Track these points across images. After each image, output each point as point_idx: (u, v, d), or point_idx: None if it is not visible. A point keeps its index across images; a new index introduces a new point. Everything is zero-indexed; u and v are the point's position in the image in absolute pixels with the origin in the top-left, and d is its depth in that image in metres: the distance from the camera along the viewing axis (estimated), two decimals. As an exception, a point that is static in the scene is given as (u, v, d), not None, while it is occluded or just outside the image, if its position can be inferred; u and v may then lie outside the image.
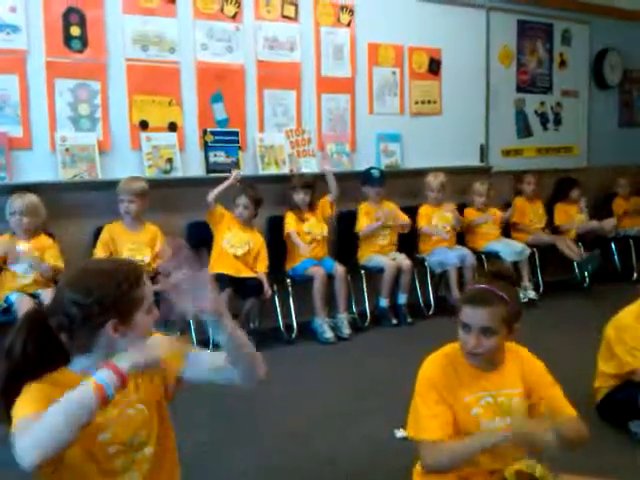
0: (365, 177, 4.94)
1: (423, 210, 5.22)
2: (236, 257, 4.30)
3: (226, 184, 4.26)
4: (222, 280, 4.12)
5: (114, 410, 1.49)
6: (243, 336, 1.49)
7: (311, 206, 4.67)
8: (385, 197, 4.99)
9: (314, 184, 4.65)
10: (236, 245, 4.32)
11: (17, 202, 3.67)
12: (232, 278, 4.15)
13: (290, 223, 4.59)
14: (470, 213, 5.49)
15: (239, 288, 4.16)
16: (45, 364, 1.47)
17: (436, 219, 5.22)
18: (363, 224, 4.87)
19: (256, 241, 4.40)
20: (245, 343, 1.50)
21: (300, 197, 4.59)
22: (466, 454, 1.84)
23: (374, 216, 4.90)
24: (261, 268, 4.36)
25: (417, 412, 1.93)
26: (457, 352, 2.00)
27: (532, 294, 5.29)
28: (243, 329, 1.52)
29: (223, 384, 1.59)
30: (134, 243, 4.01)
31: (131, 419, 1.54)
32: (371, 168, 4.97)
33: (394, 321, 4.75)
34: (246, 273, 4.28)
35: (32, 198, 3.70)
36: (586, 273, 5.60)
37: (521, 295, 5.23)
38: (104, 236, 3.98)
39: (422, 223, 5.18)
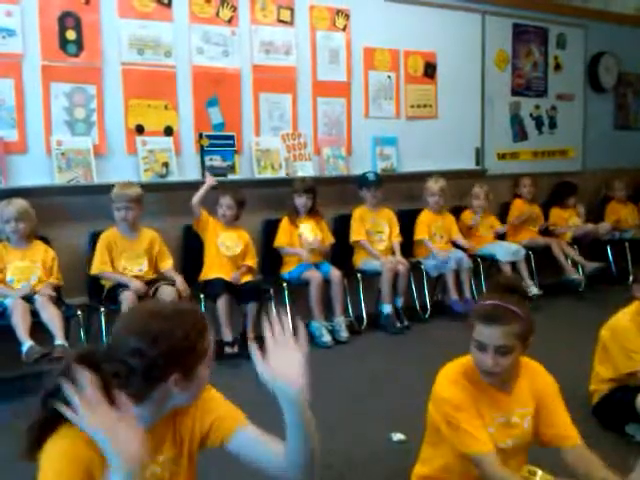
0: (361, 180, 4.94)
1: (424, 217, 5.19)
2: (230, 260, 4.30)
3: (205, 188, 4.21)
4: (219, 285, 4.12)
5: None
6: (313, 425, 1.42)
7: (311, 211, 4.66)
8: (382, 202, 4.98)
9: (315, 189, 4.64)
10: (232, 245, 4.33)
11: (10, 208, 3.60)
12: (229, 284, 4.16)
13: (280, 237, 4.57)
14: (467, 216, 5.50)
15: (237, 293, 4.16)
16: None
17: (434, 228, 5.19)
18: (356, 232, 4.86)
19: (244, 239, 4.40)
20: (312, 434, 1.43)
21: (302, 201, 4.58)
22: None
23: (369, 221, 4.91)
24: (251, 262, 4.38)
25: (460, 429, 1.89)
26: (473, 370, 1.96)
27: (535, 290, 5.28)
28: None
29: (270, 473, 1.49)
30: (131, 252, 3.95)
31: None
32: (368, 172, 4.98)
33: (398, 325, 4.69)
34: (243, 278, 4.27)
35: (23, 202, 3.65)
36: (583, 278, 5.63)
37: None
38: (102, 246, 3.88)
39: (421, 233, 5.14)
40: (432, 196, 5.18)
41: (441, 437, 1.99)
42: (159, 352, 1.33)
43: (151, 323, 1.37)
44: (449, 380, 1.98)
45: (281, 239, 4.59)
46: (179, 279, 3.96)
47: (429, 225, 5.19)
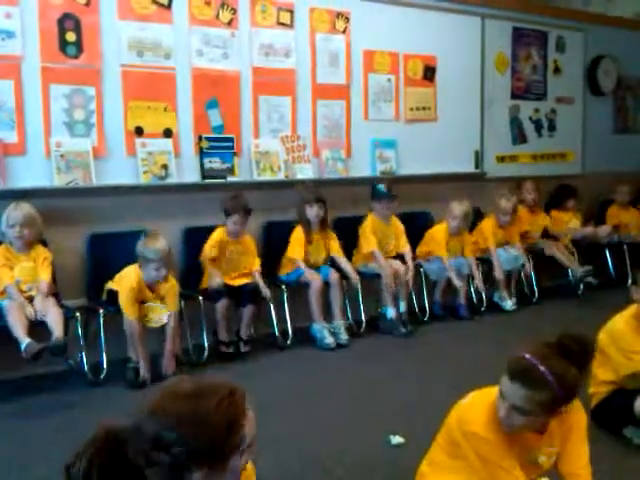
0: (373, 192, 4.86)
1: (439, 233, 5.09)
2: (232, 267, 4.31)
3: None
4: (220, 290, 4.11)
5: None
6: None
7: (323, 222, 4.59)
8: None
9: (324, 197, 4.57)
10: (236, 257, 4.32)
11: (15, 213, 3.57)
12: (228, 287, 4.15)
13: (294, 249, 4.47)
14: (490, 230, 5.35)
15: (236, 296, 4.17)
16: None
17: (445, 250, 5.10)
18: (372, 243, 4.75)
19: (247, 246, 4.40)
20: None
21: (314, 212, 4.51)
22: None
23: (378, 233, 4.82)
24: (255, 265, 4.36)
25: (497, 468, 1.82)
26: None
27: (509, 305, 5.30)
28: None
29: None
30: (154, 302, 3.81)
31: None
32: (378, 182, 4.87)
33: (402, 329, 4.62)
34: (243, 280, 4.28)
35: (29, 208, 3.62)
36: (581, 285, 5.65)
37: (502, 304, 5.29)
38: (132, 294, 3.69)
39: (428, 246, 5.10)
40: (453, 219, 5.04)
41: (460, 454, 1.93)
42: (183, 450, 1.20)
43: (179, 412, 1.22)
44: (483, 419, 1.86)
45: (295, 251, 4.49)
46: (174, 322, 3.85)
47: (441, 244, 5.06)
